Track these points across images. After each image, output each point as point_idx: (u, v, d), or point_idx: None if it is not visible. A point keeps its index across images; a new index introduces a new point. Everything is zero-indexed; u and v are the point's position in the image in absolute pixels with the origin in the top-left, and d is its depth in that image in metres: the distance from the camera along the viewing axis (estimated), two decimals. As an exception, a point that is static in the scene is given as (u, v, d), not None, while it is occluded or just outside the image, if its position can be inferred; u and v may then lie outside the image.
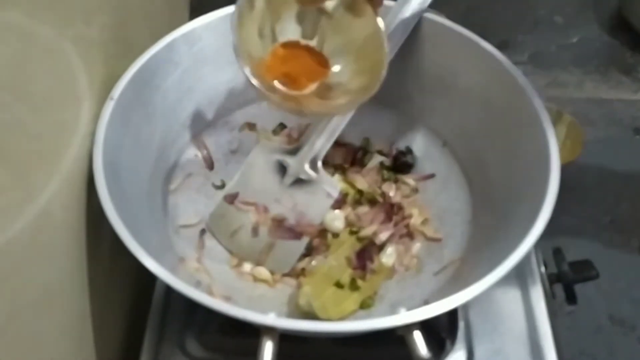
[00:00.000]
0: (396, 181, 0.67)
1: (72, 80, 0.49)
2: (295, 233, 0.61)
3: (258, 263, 0.60)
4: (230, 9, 0.63)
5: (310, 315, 0.53)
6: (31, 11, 0.42)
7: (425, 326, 0.44)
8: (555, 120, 0.87)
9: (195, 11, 0.84)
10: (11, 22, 0.39)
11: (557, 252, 0.68)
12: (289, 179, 0.62)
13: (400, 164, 0.68)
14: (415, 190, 0.66)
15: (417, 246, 0.61)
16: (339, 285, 0.57)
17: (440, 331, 0.58)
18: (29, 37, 0.42)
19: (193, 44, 0.62)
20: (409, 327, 0.43)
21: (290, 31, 0.53)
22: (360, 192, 0.65)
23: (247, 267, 0.60)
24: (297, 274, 0.60)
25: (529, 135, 0.55)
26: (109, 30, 0.56)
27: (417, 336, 0.43)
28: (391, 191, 0.66)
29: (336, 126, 0.62)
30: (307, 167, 0.61)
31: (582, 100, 0.98)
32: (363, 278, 0.58)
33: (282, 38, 0.53)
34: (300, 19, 0.53)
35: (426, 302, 0.44)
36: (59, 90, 0.47)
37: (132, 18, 0.62)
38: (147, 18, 0.67)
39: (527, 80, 0.56)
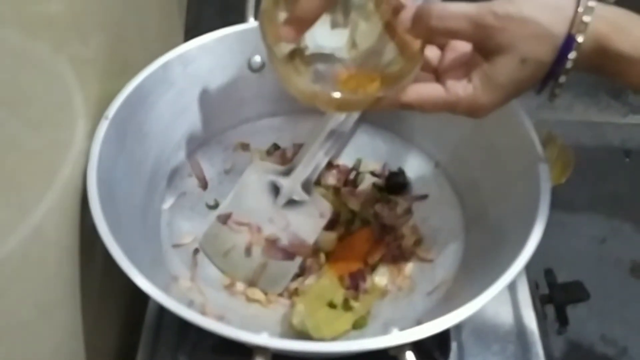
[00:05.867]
0: (389, 202, 0.67)
1: (68, 98, 0.49)
2: (288, 253, 0.61)
3: (251, 283, 0.60)
4: (225, 30, 0.64)
5: (304, 335, 0.53)
6: (28, 29, 0.42)
7: (418, 346, 0.44)
8: (547, 142, 0.87)
9: (190, 32, 0.85)
10: (7, 40, 0.39)
11: (548, 273, 0.68)
12: (282, 200, 0.62)
13: (393, 185, 0.68)
14: (407, 211, 0.66)
15: (409, 266, 0.61)
16: (332, 305, 0.57)
17: (433, 351, 0.58)
18: (25, 55, 0.42)
19: (188, 64, 0.63)
20: (402, 348, 0.43)
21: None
22: (353, 212, 0.66)
23: (240, 286, 0.60)
24: (290, 293, 0.60)
25: (519, 156, 0.56)
26: (104, 50, 0.56)
27: (410, 356, 0.43)
28: (384, 212, 0.66)
29: (329, 148, 0.62)
30: (300, 188, 0.62)
31: (573, 122, 1.00)
32: (356, 298, 0.58)
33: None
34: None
35: (419, 322, 0.45)
36: (54, 108, 0.47)
37: (127, 38, 0.62)
38: (143, 38, 0.67)
39: (518, 103, 0.56)
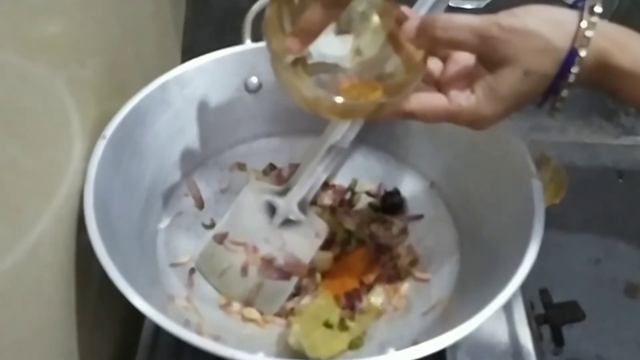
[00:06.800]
0: (384, 222, 0.67)
1: (65, 119, 0.50)
2: (284, 273, 0.61)
3: (247, 303, 0.60)
4: (221, 52, 0.65)
5: (300, 355, 0.53)
6: (26, 51, 0.42)
7: (414, 366, 0.44)
8: (541, 163, 0.88)
9: (187, 53, 0.85)
10: (6, 61, 0.40)
11: (544, 293, 0.68)
12: (278, 219, 0.62)
13: (389, 205, 0.68)
14: (403, 231, 0.66)
15: (405, 286, 0.62)
16: (328, 324, 0.57)
17: (429, 372, 0.58)
18: (23, 76, 0.42)
19: (185, 85, 0.63)
20: (398, 367, 0.43)
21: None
22: (348, 232, 0.66)
23: (236, 306, 0.60)
24: (287, 313, 0.60)
25: (513, 178, 0.56)
26: (102, 71, 0.57)
27: (406, 376, 0.43)
28: (379, 232, 0.66)
29: (328, 164, 0.62)
30: (296, 207, 0.62)
31: (566, 144, 1.00)
32: (352, 318, 0.58)
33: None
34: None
35: (415, 342, 0.44)
36: (52, 129, 0.47)
37: (125, 60, 0.63)
38: (140, 60, 0.68)
39: (511, 124, 0.57)
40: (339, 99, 0.45)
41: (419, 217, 0.67)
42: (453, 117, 0.46)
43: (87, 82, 0.54)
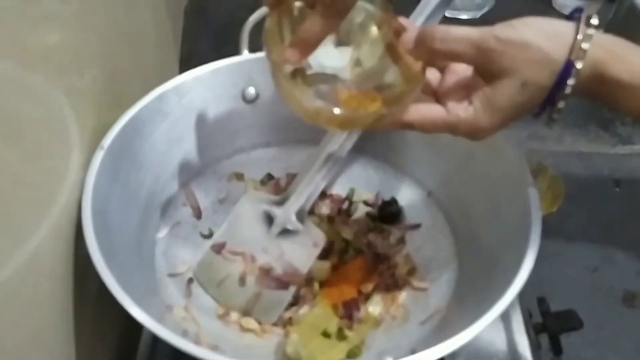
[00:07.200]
0: (382, 231, 0.67)
1: (64, 129, 0.50)
2: (282, 282, 0.61)
3: (245, 313, 0.60)
4: (219, 63, 0.65)
5: (298, 364, 0.53)
6: (25, 62, 0.43)
7: (413, 375, 0.44)
8: (538, 172, 0.88)
9: (185, 64, 0.86)
10: (5, 72, 0.40)
11: (542, 302, 0.68)
12: (276, 229, 0.62)
13: (386, 214, 0.68)
14: (401, 240, 0.67)
15: (403, 295, 0.62)
16: (326, 334, 0.57)
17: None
18: (22, 86, 0.43)
19: (183, 95, 0.63)
20: (396, 376, 0.43)
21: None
22: (346, 241, 0.66)
23: (234, 316, 0.60)
24: (285, 323, 0.60)
25: (511, 186, 0.57)
26: (101, 82, 0.57)
27: (404, 385, 0.43)
28: (377, 241, 0.66)
29: (326, 173, 0.63)
30: (293, 217, 0.62)
31: (562, 153, 1.00)
32: (350, 327, 0.58)
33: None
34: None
35: (413, 351, 0.44)
36: (50, 138, 0.48)
37: (123, 70, 0.63)
38: (139, 70, 0.68)
39: (508, 134, 0.57)
40: (339, 110, 0.45)
41: (417, 226, 0.67)
42: (451, 128, 0.46)
43: (85, 92, 0.54)
